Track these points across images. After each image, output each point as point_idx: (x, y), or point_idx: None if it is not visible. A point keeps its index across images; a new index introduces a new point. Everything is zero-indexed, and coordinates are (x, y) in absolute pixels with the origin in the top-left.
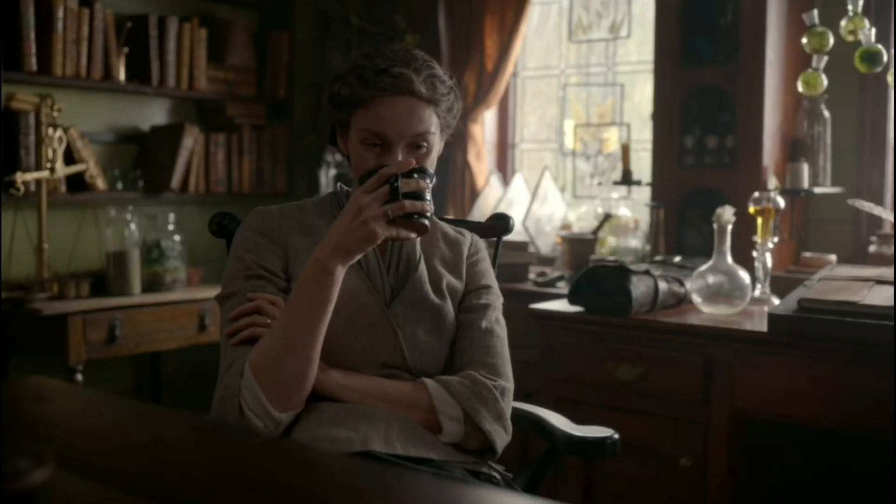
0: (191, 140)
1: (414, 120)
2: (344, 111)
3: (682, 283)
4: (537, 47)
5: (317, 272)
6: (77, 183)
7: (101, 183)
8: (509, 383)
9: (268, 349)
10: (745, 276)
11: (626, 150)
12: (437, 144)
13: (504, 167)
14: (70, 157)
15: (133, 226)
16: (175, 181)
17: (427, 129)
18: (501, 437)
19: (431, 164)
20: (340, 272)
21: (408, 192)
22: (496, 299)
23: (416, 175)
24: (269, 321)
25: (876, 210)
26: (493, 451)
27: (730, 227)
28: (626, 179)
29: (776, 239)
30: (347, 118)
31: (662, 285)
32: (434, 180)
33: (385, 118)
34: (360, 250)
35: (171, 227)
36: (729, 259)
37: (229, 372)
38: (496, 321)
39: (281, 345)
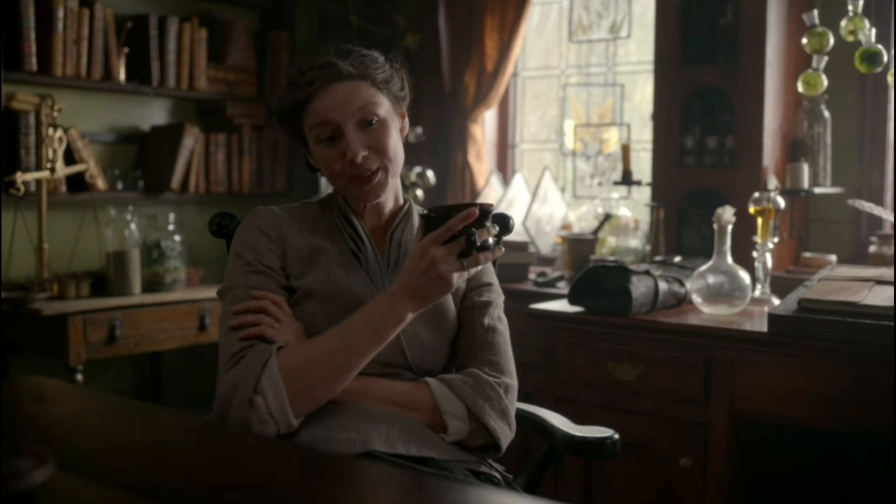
0: (191, 140)
1: (353, 97)
2: (290, 125)
3: (682, 284)
4: (537, 47)
5: (388, 310)
6: (77, 183)
7: (101, 183)
8: (513, 380)
9: (309, 359)
10: (745, 276)
11: (626, 150)
12: (392, 120)
13: (504, 167)
14: (70, 157)
15: (133, 226)
16: (175, 181)
17: (369, 101)
18: (506, 434)
19: (396, 138)
20: (411, 318)
21: (482, 243)
22: (498, 297)
23: (485, 222)
24: (275, 323)
25: (876, 210)
26: (497, 447)
27: (730, 228)
28: (626, 179)
29: (776, 239)
30: (300, 131)
31: (662, 285)
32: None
33: (325, 106)
34: (436, 299)
35: (171, 227)
36: (729, 259)
37: (239, 366)
38: (498, 318)
39: (327, 361)
